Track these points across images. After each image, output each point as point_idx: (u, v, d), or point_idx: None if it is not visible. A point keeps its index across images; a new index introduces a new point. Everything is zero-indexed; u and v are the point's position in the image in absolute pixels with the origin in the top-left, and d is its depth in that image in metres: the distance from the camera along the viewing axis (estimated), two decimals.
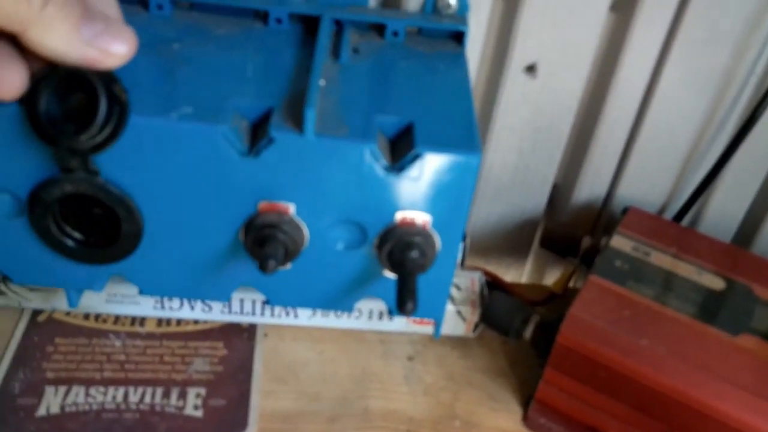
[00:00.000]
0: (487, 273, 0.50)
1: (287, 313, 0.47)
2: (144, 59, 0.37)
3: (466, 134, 0.34)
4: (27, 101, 0.30)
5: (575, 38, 0.46)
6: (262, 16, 0.43)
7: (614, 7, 0.47)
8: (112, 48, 0.29)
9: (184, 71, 0.37)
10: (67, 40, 0.28)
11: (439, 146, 0.33)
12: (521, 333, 0.44)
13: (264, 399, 0.43)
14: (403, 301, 0.33)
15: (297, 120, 0.33)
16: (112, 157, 0.33)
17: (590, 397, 0.41)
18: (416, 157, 0.33)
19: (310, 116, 0.32)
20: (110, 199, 0.34)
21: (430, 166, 0.33)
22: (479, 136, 0.34)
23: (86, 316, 0.47)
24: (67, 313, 0.47)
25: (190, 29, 0.41)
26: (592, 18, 0.46)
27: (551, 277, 0.61)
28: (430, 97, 0.38)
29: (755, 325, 0.41)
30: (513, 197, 0.54)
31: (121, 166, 0.33)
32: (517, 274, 0.60)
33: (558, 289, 0.51)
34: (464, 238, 0.51)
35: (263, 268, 0.33)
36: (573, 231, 0.55)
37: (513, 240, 0.57)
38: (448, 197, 0.34)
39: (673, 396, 0.38)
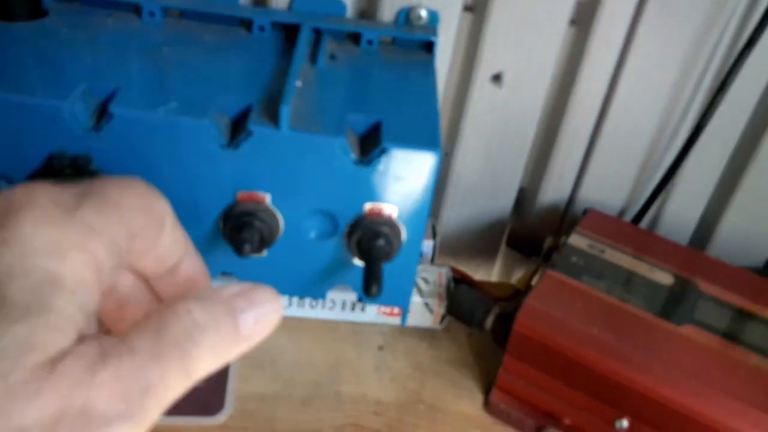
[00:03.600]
0: (455, 270, 0.53)
1: None
2: (136, 62, 0.40)
3: (429, 133, 0.38)
4: None
5: (538, 50, 0.50)
6: (247, 25, 0.46)
7: (574, 22, 0.50)
8: None
9: (172, 73, 0.40)
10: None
11: (404, 142, 0.36)
12: (483, 323, 0.47)
13: (241, 382, 0.46)
14: (368, 285, 0.36)
15: (273, 116, 0.36)
16: (104, 149, 0.36)
17: (546, 384, 0.44)
18: (383, 151, 0.36)
19: (285, 112, 0.35)
20: None
21: (395, 161, 0.36)
22: (441, 135, 0.37)
23: None
24: None
25: (180, 35, 0.44)
26: (554, 32, 0.49)
27: (519, 277, 0.64)
28: (399, 100, 0.41)
29: (698, 317, 0.44)
30: (481, 200, 0.57)
31: (111, 157, 0.36)
32: (486, 273, 0.63)
33: (521, 286, 0.54)
34: (435, 237, 0.54)
35: (239, 251, 0.36)
36: (538, 232, 0.59)
37: (482, 240, 0.60)
38: (412, 190, 0.37)
39: (622, 381, 0.41)
